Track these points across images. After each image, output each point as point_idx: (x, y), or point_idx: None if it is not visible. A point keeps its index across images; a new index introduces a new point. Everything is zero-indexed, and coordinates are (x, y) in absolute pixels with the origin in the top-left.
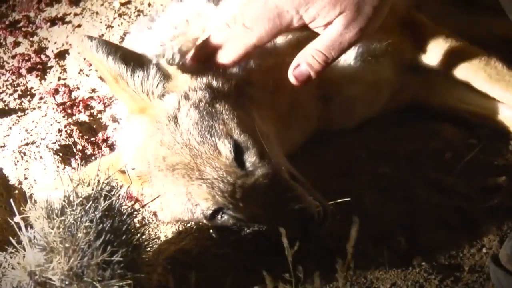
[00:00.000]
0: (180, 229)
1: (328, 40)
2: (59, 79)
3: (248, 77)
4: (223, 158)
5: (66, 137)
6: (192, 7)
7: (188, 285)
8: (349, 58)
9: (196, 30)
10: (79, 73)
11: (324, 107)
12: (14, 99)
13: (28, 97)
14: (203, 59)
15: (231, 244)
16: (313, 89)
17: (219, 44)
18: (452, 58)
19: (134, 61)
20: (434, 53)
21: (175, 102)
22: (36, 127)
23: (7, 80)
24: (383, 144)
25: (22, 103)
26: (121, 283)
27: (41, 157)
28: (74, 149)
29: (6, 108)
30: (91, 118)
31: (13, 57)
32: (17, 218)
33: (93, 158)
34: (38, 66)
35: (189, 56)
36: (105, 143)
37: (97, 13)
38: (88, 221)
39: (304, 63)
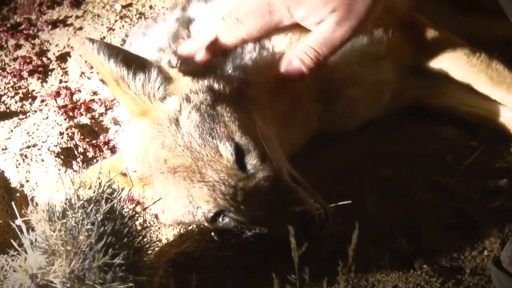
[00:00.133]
0: (182, 231)
1: (320, 37)
2: (60, 81)
3: (246, 77)
4: (224, 161)
5: (67, 140)
6: (188, 12)
7: (190, 287)
8: (350, 60)
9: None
10: (80, 75)
11: (325, 108)
12: (16, 102)
13: (30, 99)
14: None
15: (232, 247)
16: (314, 90)
17: (214, 37)
18: (453, 60)
19: (135, 63)
20: (435, 55)
21: (176, 104)
22: (37, 129)
23: (8, 83)
24: (384, 146)
25: (24, 106)
26: (122, 286)
27: (42, 160)
28: (76, 152)
29: (8, 110)
30: (93, 120)
31: (15, 59)
32: (19, 221)
33: (95, 160)
34: (40, 68)
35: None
36: (106, 146)
37: (98, 15)
38: (89, 224)
39: (296, 59)
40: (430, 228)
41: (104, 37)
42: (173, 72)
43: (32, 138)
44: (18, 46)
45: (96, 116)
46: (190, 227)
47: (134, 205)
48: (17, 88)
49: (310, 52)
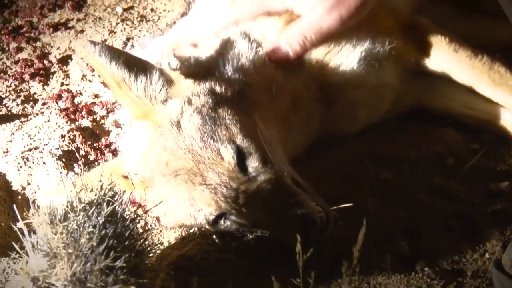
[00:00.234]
0: (183, 234)
1: (308, 23)
2: (62, 84)
3: (246, 79)
4: (226, 164)
5: (69, 143)
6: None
7: None
8: (352, 62)
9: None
10: (82, 78)
11: (326, 111)
12: (17, 105)
13: (31, 102)
14: None
15: (234, 250)
16: (315, 92)
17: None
18: (455, 62)
19: (137, 66)
20: (437, 57)
21: (178, 107)
22: (39, 132)
23: (10, 86)
24: (386, 149)
25: (25, 109)
26: None
27: (44, 163)
28: (77, 155)
29: (9, 113)
30: (94, 123)
31: (16, 62)
32: (20, 224)
33: (96, 163)
34: (41, 71)
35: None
36: (108, 149)
37: (100, 18)
38: (91, 227)
39: (284, 42)
40: (431, 230)
41: (105, 40)
42: (174, 74)
43: (34, 141)
44: (19, 49)
45: (98, 119)
46: (191, 230)
47: (135, 208)
48: (18, 91)
49: (298, 37)
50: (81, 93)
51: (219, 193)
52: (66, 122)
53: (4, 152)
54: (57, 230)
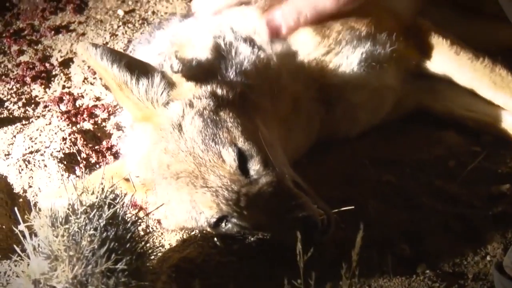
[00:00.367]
0: (184, 237)
1: (305, 0)
2: (63, 87)
3: (248, 82)
4: (227, 166)
5: (70, 146)
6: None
7: None
8: (352, 64)
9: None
10: (83, 81)
11: (327, 113)
12: (19, 108)
13: (33, 105)
14: None
15: (235, 252)
16: (315, 94)
17: None
18: (456, 65)
19: (138, 69)
20: (439, 59)
21: (179, 110)
22: (40, 135)
23: (11, 89)
24: (387, 152)
25: (27, 112)
26: None
27: (45, 166)
28: (79, 157)
29: (11, 116)
30: (96, 126)
31: (18, 65)
32: (22, 226)
33: (98, 166)
34: (43, 74)
35: None
36: (109, 151)
37: (101, 21)
38: (92, 229)
39: (279, 16)
40: (432, 233)
41: (107, 43)
42: (176, 77)
43: (35, 143)
44: (21, 52)
45: (99, 122)
46: (193, 233)
47: (137, 210)
48: (20, 93)
49: (293, 14)
50: (82, 96)
51: (221, 195)
52: (68, 124)
53: (5, 155)
54: (58, 233)
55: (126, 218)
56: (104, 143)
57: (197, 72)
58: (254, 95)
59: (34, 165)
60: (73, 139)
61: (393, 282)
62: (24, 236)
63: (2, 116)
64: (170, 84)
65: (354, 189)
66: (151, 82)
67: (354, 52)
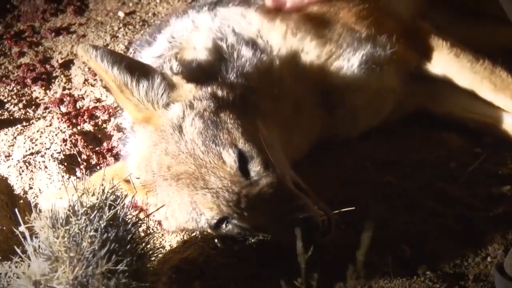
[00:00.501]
0: (185, 238)
1: None
2: (64, 89)
3: (248, 83)
4: (228, 168)
5: (70, 147)
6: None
7: None
8: (353, 66)
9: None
10: (84, 83)
11: (328, 115)
12: (19, 109)
13: (33, 107)
14: None
15: (235, 254)
16: (316, 96)
17: None
18: (456, 67)
19: (139, 70)
20: (439, 61)
21: (179, 111)
22: (41, 137)
23: (12, 90)
24: (388, 153)
25: (27, 113)
26: None
27: (45, 167)
28: (79, 159)
29: (11, 118)
30: (96, 127)
31: (18, 67)
32: (22, 228)
33: (98, 167)
34: (43, 76)
35: None
36: (110, 153)
37: (102, 23)
38: (92, 231)
39: None
40: (433, 234)
41: (107, 45)
42: (176, 78)
43: (36, 145)
44: (21, 54)
45: (100, 123)
46: (193, 234)
47: (137, 211)
48: (20, 95)
49: None
50: (83, 98)
51: (221, 197)
52: (68, 126)
53: (6, 156)
54: (59, 234)
55: (127, 219)
56: (104, 144)
57: (198, 74)
58: (255, 96)
59: (34, 166)
60: (73, 141)
61: (393, 283)
62: (24, 237)
63: (2, 117)
64: (171, 86)
65: (354, 190)
66: (151, 84)
67: (355, 55)
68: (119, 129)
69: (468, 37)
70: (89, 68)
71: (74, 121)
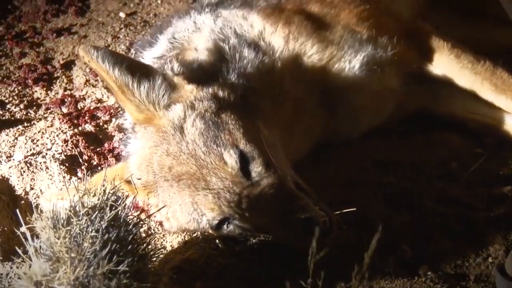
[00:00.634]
0: (186, 239)
1: None
2: (65, 89)
3: (250, 84)
4: (229, 168)
5: (72, 148)
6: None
7: None
8: (354, 67)
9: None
10: (85, 83)
11: (329, 115)
12: (20, 110)
13: (34, 107)
14: None
15: (237, 254)
16: (317, 97)
17: None
18: (457, 68)
19: (140, 71)
20: (439, 62)
21: (181, 112)
22: (42, 137)
23: (13, 91)
24: (389, 154)
25: (28, 114)
26: None
27: (47, 168)
28: (80, 160)
29: (12, 118)
30: (97, 128)
31: (19, 67)
32: (23, 228)
33: (99, 168)
34: (44, 76)
35: None
36: (111, 153)
37: (103, 23)
38: (94, 231)
39: None
40: (434, 235)
41: (108, 45)
42: (177, 79)
43: (37, 145)
44: (22, 54)
45: (101, 124)
46: (194, 234)
47: (138, 212)
48: (21, 96)
49: None
50: (84, 98)
51: (222, 197)
52: (69, 127)
53: (7, 157)
54: (60, 235)
55: (128, 220)
56: (105, 145)
57: (199, 75)
58: (256, 97)
59: (35, 167)
60: (74, 141)
61: (395, 283)
62: (26, 238)
63: (4, 118)
64: (172, 87)
65: (355, 191)
66: (152, 85)
67: (356, 56)
68: (120, 129)
69: (469, 38)
70: (90, 69)
71: (75, 121)
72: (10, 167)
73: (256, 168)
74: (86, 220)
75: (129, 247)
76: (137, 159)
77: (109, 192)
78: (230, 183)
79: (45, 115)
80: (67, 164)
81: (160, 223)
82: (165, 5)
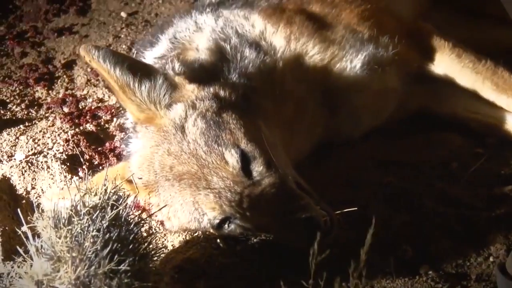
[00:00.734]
0: (187, 238)
1: None
2: (66, 89)
3: (251, 84)
4: (230, 168)
5: (73, 147)
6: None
7: None
8: (355, 67)
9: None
10: (86, 83)
11: (330, 115)
12: (22, 109)
13: (36, 107)
14: None
15: (238, 253)
16: (319, 97)
17: None
18: (458, 67)
19: (141, 71)
20: (441, 62)
21: (182, 112)
22: (43, 137)
23: (14, 90)
24: (389, 154)
25: (30, 113)
26: None
27: (48, 167)
28: (81, 159)
29: (14, 118)
30: (98, 128)
31: (21, 67)
32: (25, 228)
33: (100, 167)
34: (46, 76)
35: None
36: (112, 153)
37: (104, 23)
38: (95, 231)
39: None
40: (435, 234)
41: (110, 45)
42: (178, 79)
43: (38, 145)
44: (24, 54)
45: (102, 123)
46: (195, 234)
47: (139, 211)
48: (23, 95)
49: None
50: (85, 98)
51: (224, 197)
52: (71, 126)
53: (8, 156)
54: (61, 234)
55: (129, 219)
56: (107, 144)
57: (200, 74)
58: (257, 97)
59: (37, 166)
60: (76, 141)
61: (396, 283)
62: (27, 237)
63: (5, 117)
64: (173, 86)
65: (356, 190)
66: (153, 84)
67: (357, 56)
68: (122, 129)
69: (470, 38)
70: (91, 69)
71: (76, 121)
72: (11, 167)
73: (257, 168)
74: (87, 219)
75: (130, 246)
76: (138, 158)
77: (110, 192)
78: (231, 182)
79: (46, 115)
80: (68, 164)
81: (161, 223)
82: (166, 5)
